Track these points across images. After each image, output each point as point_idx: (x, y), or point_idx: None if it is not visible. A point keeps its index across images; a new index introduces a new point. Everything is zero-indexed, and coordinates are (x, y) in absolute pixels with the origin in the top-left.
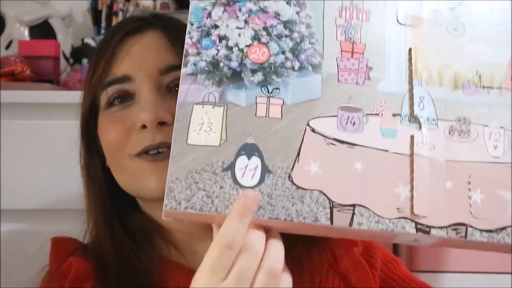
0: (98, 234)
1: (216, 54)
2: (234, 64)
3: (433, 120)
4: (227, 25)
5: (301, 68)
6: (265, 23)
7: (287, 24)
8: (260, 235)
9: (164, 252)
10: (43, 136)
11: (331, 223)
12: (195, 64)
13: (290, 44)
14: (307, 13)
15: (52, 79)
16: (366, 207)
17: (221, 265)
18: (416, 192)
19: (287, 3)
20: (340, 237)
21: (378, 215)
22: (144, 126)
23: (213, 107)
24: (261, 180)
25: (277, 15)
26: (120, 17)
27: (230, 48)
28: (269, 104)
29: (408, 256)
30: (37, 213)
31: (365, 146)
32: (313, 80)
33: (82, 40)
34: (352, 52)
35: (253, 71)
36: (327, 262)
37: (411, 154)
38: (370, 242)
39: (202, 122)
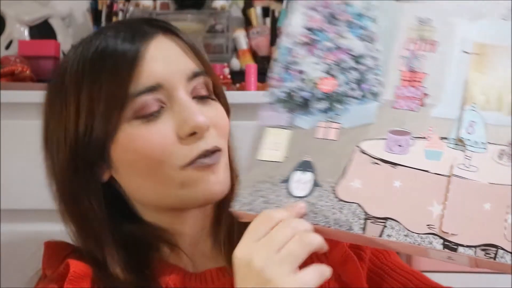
0: (98, 251)
1: (293, 86)
2: (305, 94)
3: (482, 143)
4: (306, 61)
5: (362, 96)
6: (338, 58)
7: (357, 58)
8: (306, 223)
9: (162, 255)
10: None
11: (363, 232)
12: (275, 95)
13: (356, 75)
14: (377, 47)
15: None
16: (397, 221)
17: (257, 229)
18: (447, 211)
19: (360, 39)
20: (368, 246)
21: (407, 229)
22: (192, 134)
23: (283, 130)
24: (310, 192)
25: (349, 50)
26: (120, 17)
27: (304, 81)
28: (328, 127)
29: (407, 255)
30: (37, 213)
31: (407, 166)
32: (370, 107)
33: None
34: (411, 81)
35: (320, 100)
36: (315, 257)
37: (450, 175)
38: None
39: (272, 142)
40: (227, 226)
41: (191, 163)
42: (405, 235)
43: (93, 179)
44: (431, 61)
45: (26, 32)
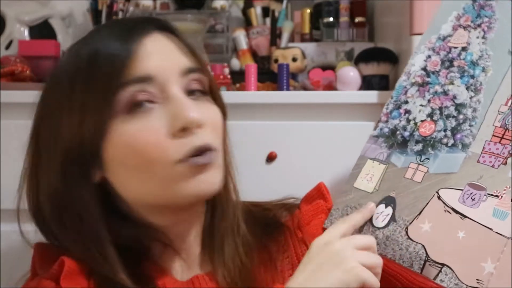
0: (92, 252)
1: (398, 124)
2: (406, 134)
3: None
4: (414, 102)
5: (453, 145)
6: (442, 103)
7: (459, 106)
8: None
9: (154, 257)
10: None
11: (421, 272)
12: (381, 129)
13: (453, 123)
14: (479, 99)
15: None
16: (452, 269)
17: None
18: (497, 271)
19: (466, 88)
20: (420, 286)
21: (458, 279)
22: (184, 129)
23: (379, 164)
24: (387, 225)
25: (453, 97)
26: (120, 17)
27: (408, 121)
28: (417, 170)
29: None
30: None
31: (474, 221)
32: (457, 157)
33: None
34: (502, 138)
35: (417, 142)
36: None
37: (510, 238)
38: None
39: (368, 173)
40: (221, 233)
41: (184, 160)
42: (455, 284)
43: (86, 180)
44: None
45: (26, 32)
